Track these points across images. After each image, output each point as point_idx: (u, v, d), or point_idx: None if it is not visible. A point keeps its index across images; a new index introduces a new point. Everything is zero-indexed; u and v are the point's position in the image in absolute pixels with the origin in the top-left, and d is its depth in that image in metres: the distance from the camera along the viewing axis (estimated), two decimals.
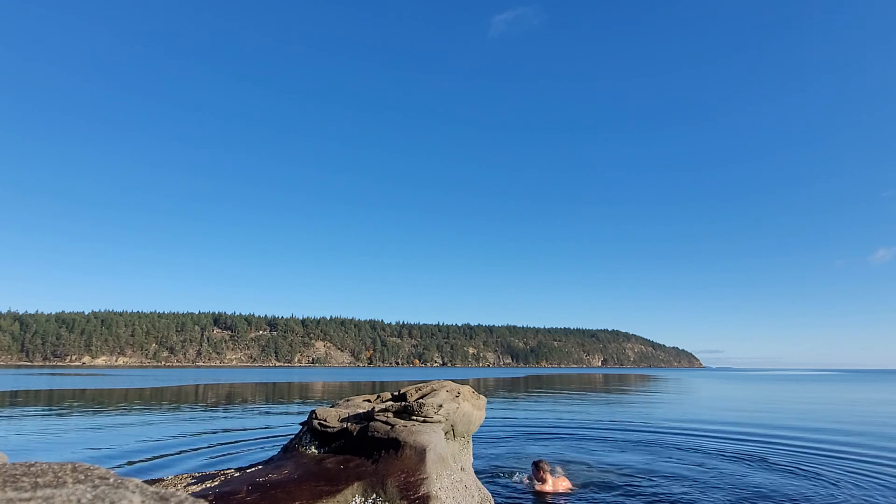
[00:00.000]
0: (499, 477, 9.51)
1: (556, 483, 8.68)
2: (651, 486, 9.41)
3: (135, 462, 11.07)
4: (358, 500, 5.54)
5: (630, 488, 9.26)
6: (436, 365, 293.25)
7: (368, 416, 6.89)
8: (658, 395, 38.76)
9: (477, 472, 9.42)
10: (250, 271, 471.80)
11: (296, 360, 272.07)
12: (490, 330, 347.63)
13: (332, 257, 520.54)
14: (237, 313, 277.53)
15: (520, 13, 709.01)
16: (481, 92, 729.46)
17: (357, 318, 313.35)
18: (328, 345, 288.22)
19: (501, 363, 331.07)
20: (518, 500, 8.50)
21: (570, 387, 48.83)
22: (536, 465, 8.53)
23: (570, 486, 8.82)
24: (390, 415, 6.83)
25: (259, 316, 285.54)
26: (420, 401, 7.03)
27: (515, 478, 9.45)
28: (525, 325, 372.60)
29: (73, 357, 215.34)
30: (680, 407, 27.34)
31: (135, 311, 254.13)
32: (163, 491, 1.34)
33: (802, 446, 14.17)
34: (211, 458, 11.66)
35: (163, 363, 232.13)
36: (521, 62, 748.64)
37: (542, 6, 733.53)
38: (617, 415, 22.41)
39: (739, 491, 9.13)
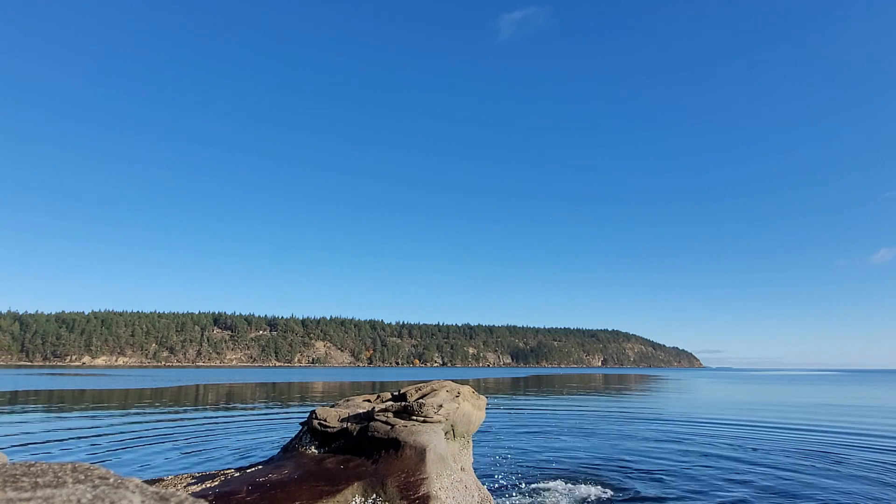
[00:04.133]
0: None
1: None
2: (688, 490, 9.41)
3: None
4: (358, 500, 5.54)
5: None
6: (436, 365, 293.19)
7: (368, 416, 6.90)
8: (670, 396, 38.74)
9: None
10: (250, 271, 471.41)
11: (296, 360, 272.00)
12: (490, 330, 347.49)
13: (332, 257, 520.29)
14: (237, 313, 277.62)
15: (529, 13, 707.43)
16: (483, 92, 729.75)
17: (357, 318, 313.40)
18: (328, 345, 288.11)
19: (501, 363, 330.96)
20: (518, 501, 8.50)
21: (573, 387, 48.82)
22: None
23: None
24: (390, 415, 6.84)
25: (259, 316, 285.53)
26: (420, 401, 7.04)
27: None
28: (525, 325, 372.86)
29: (73, 357, 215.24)
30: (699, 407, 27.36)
31: (135, 311, 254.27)
32: (163, 491, 1.35)
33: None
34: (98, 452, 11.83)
35: (163, 363, 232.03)
36: (526, 62, 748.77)
37: (551, 6, 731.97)
38: (629, 413, 22.43)
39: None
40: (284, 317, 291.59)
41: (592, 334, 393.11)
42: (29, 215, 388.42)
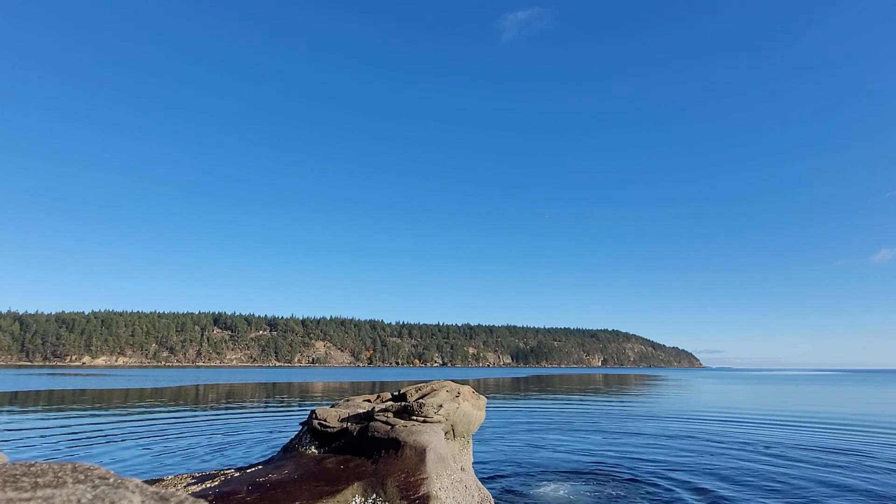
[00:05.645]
0: None
1: None
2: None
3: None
4: (358, 500, 5.54)
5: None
6: (436, 365, 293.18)
7: (368, 416, 6.90)
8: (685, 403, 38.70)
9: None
10: (250, 271, 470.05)
11: (296, 360, 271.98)
12: (490, 330, 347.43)
13: (332, 257, 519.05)
14: (237, 313, 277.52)
15: (533, 13, 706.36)
16: (486, 93, 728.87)
17: (357, 318, 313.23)
18: (328, 345, 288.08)
19: (501, 363, 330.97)
20: (519, 500, 8.50)
21: (573, 387, 48.81)
22: None
23: None
24: (390, 415, 6.84)
25: (259, 316, 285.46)
26: (420, 401, 7.04)
27: None
28: (525, 325, 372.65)
29: (73, 357, 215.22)
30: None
31: (135, 311, 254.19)
32: (163, 491, 1.35)
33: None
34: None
35: (163, 363, 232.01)
36: (529, 63, 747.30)
37: (555, 7, 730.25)
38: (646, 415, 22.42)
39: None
40: (284, 317, 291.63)
41: (592, 334, 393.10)
42: (29, 215, 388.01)
